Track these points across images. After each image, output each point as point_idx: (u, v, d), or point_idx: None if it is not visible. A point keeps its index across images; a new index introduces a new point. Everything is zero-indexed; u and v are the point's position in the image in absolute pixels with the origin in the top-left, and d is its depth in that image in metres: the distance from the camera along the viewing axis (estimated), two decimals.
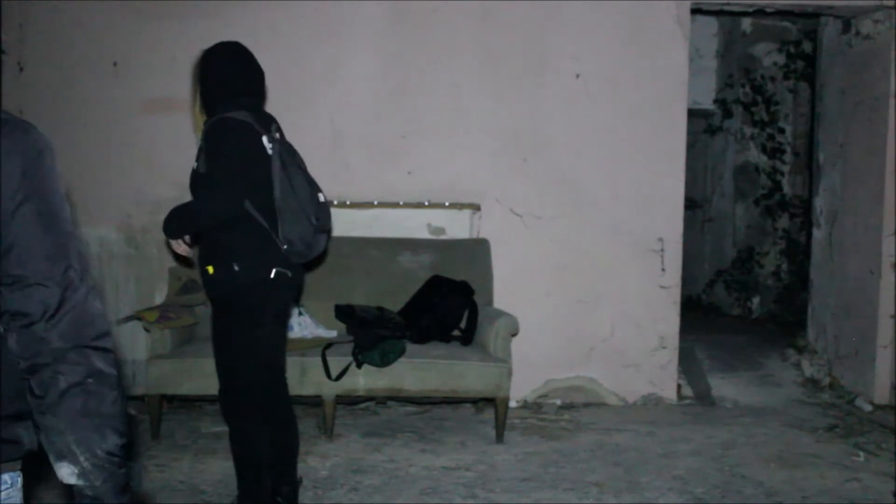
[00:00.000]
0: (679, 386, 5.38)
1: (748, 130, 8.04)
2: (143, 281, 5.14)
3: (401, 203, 5.15)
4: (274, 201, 2.99)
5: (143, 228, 5.13)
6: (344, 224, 5.02)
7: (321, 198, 3.10)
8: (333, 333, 4.70)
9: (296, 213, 3.00)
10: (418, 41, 5.16)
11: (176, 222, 3.05)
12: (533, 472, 4.06)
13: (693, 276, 8.06)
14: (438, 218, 5.15)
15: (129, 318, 4.89)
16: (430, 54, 5.16)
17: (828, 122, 5.78)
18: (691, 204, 7.63)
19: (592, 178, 5.23)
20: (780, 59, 7.79)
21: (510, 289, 5.10)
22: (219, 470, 3.98)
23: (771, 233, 8.03)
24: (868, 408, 5.13)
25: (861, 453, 4.38)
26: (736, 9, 5.70)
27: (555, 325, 5.20)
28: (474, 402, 4.96)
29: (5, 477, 1.36)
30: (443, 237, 5.14)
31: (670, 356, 5.30)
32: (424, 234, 5.14)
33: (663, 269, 5.26)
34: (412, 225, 5.14)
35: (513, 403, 4.99)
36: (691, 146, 6.14)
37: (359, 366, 4.33)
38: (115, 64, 5.10)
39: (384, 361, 4.32)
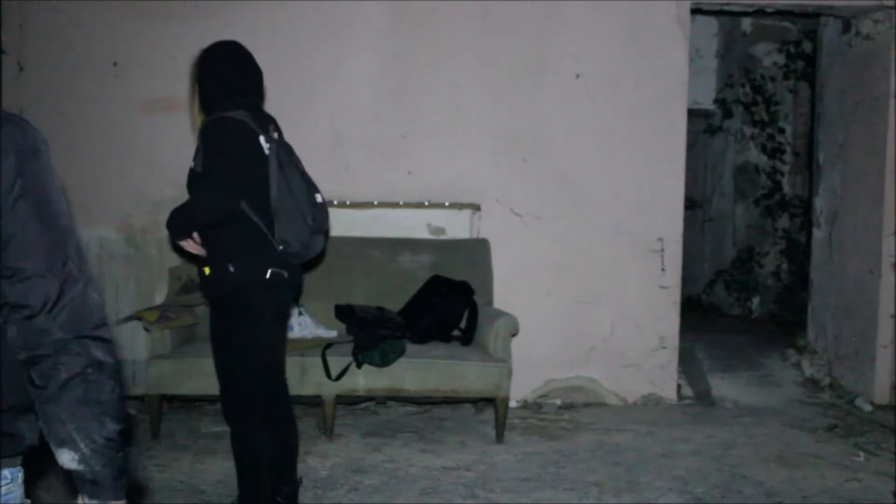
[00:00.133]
0: (679, 386, 5.38)
1: (748, 130, 8.04)
2: (143, 281, 5.14)
3: (401, 203, 5.15)
4: (270, 201, 2.99)
5: (143, 228, 5.13)
6: (344, 224, 5.02)
7: (318, 198, 3.09)
8: (333, 333, 4.70)
9: (292, 214, 2.99)
10: (418, 41, 5.16)
11: (176, 223, 3.05)
12: (533, 472, 4.06)
13: (693, 276, 8.05)
14: (438, 218, 5.16)
15: (129, 318, 4.89)
16: (430, 54, 5.16)
17: (828, 122, 5.78)
18: (691, 204, 7.63)
19: (592, 178, 5.23)
20: (780, 59, 7.80)
21: (510, 289, 5.10)
22: (219, 470, 3.98)
23: (771, 233, 8.03)
24: (868, 408, 5.13)
25: (861, 453, 4.38)
26: (736, 9, 5.70)
27: (555, 325, 5.20)
28: (474, 402, 4.96)
29: (5, 472, 1.38)
30: (443, 237, 5.14)
31: (670, 356, 5.30)
32: (424, 234, 5.14)
33: (663, 269, 5.26)
34: (412, 225, 5.14)
35: (513, 403, 4.99)
36: (691, 146, 6.14)
37: (359, 366, 4.33)
38: (115, 64, 5.10)
39: (384, 361, 4.32)
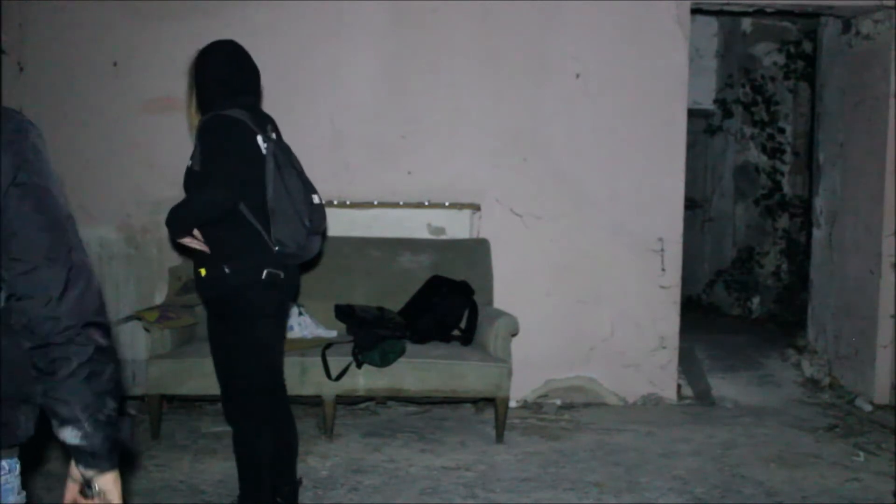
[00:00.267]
0: (679, 386, 5.38)
1: (748, 130, 8.04)
2: (143, 281, 5.14)
3: (401, 203, 5.15)
4: (267, 202, 2.98)
5: (143, 228, 5.13)
6: (344, 224, 5.03)
7: (316, 199, 3.07)
8: (333, 333, 4.70)
9: (288, 215, 2.97)
10: (418, 41, 5.16)
11: (176, 220, 3.04)
12: (533, 472, 4.06)
13: (693, 276, 8.06)
14: (438, 218, 5.16)
15: (129, 318, 4.89)
16: (430, 54, 5.16)
17: (828, 122, 5.78)
18: (691, 204, 7.63)
19: (592, 178, 5.23)
20: (780, 59, 7.80)
21: (510, 289, 5.10)
22: (219, 470, 3.98)
23: (771, 233, 8.03)
24: (868, 408, 5.13)
25: (861, 453, 4.38)
26: (736, 9, 5.70)
27: (555, 325, 5.20)
28: (474, 402, 4.96)
29: (3, 463, 1.43)
30: (443, 237, 5.14)
31: (670, 356, 5.31)
32: (424, 234, 5.14)
33: (663, 269, 5.26)
34: (412, 225, 5.14)
35: (513, 403, 4.99)
36: (691, 146, 6.14)
37: (359, 366, 4.33)
38: (115, 64, 5.10)
39: (384, 361, 4.32)
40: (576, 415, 5.04)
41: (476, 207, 5.18)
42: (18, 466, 1.48)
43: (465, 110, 5.17)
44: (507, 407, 4.51)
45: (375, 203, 5.14)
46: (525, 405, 5.17)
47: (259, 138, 3.00)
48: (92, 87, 5.09)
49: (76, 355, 1.39)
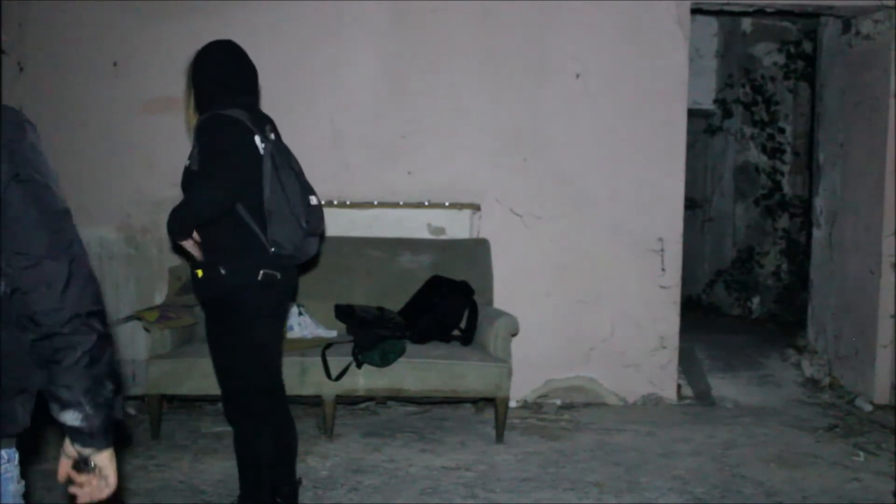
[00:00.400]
0: (679, 386, 5.38)
1: (748, 130, 8.04)
2: (143, 281, 5.14)
3: (401, 203, 5.15)
4: (263, 202, 2.97)
5: (143, 228, 5.13)
6: (344, 224, 5.03)
7: (313, 201, 3.05)
8: (333, 333, 4.70)
9: (285, 216, 2.96)
10: (418, 41, 5.16)
11: (177, 222, 3.03)
12: (533, 472, 4.06)
13: (693, 276, 8.06)
14: (438, 218, 5.16)
15: (129, 318, 4.89)
16: (430, 54, 5.16)
17: (828, 122, 5.78)
18: (691, 204, 7.63)
19: (592, 178, 5.23)
20: (780, 59, 7.80)
21: (510, 289, 5.10)
22: (219, 470, 3.98)
23: (771, 233, 8.03)
24: (868, 408, 5.13)
25: (861, 453, 4.38)
26: (736, 9, 5.70)
27: (555, 325, 5.20)
28: (474, 402, 4.96)
29: (3, 453, 1.48)
30: (443, 237, 5.14)
31: (670, 356, 5.31)
32: (424, 234, 5.14)
33: (663, 269, 5.26)
34: (412, 225, 5.14)
35: (513, 403, 4.99)
36: (691, 146, 6.14)
37: (359, 366, 4.33)
38: (115, 64, 5.10)
39: (384, 361, 4.32)
40: (576, 415, 5.04)
41: (476, 207, 5.18)
42: (17, 456, 1.53)
43: (465, 110, 5.17)
44: (507, 407, 4.51)
45: (375, 203, 5.14)
46: (525, 405, 5.17)
47: (257, 138, 2.99)
48: (92, 87, 5.09)
49: (81, 344, 1.45)
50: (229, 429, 3.31)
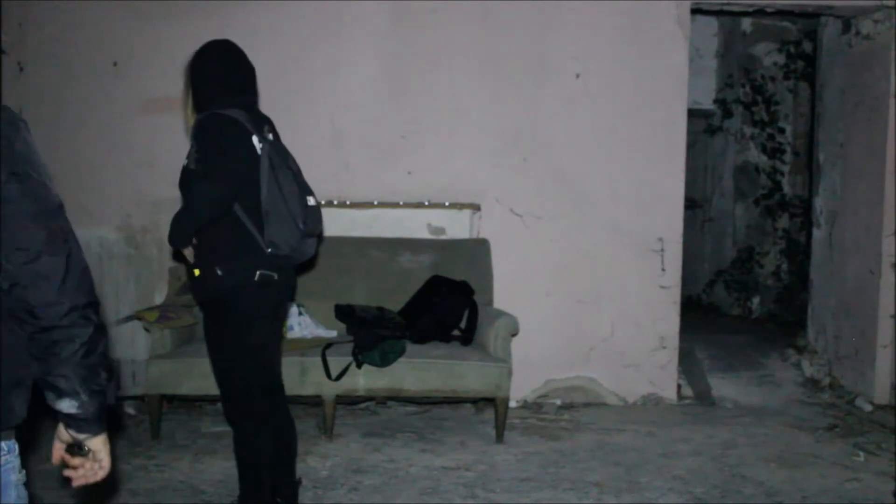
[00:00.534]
0: (679, 386, 5.38)
1: (748, 130, 8.04)
2: (143, 281, 5.14)
3: (401, 203, 5.15)
4: (261, 203, 2.96)
5: (143, 228, 5.13)
6: (344, 224, 5.03)
7: (311, 201, 3.04)
8: (333, 333, 4.70)
9: (282, 217, 2.95)
10: (418, 41, 5.16)
11: (178, 230, 3.02)
12: (533, 472, 4.06)
13: (693, 276, 8.05)
14: (438, 218, 5.16)
15: (129, 318, 4.90)
16: (430, 54, 5.16)
17: (828, 122, 5.78)
18: (691, 204, 7.63)
19: (592, 178, 5.23)
20: (780, 59, 7.79)
21: (510, 289, 5.10)
22: (219, 470, 3.98)
23: (771, 233, 8.03)
24: (868, 408, 5.13)
25: (861, 453, 4.38)
26: (736, 9, 5.70)
27: (555, 325, 5.20)
28: (474, 402, 4.96)
29: (2, 445, 1.51)
30: (443, 237, 5.14)
31: (670, 356, 5.31)
32: (424, 234, 5.14)
33: (663, 269, 5.26)
34: (412, 225, 5.14)
35: (513, 403, 4.99)
36: (691, 146, 6.14)
37: (359, 366, 4.33)
38: (115, 64, 5.10)
39: (384, 361, 4.32)
40: (576, 415, 5.04)
41: (476, 207, 5.18)
42: (17, 447, 1.57)
43: (465, 110, 5.17)
44: (507, 407, 4.51)
45: (375, 203, 5.14)
46: (525, 405, 5.17)
47: (254, 138, 2.98)
48: (92, 87, 5.09)
49: (78, 336, 1.50)
50: (229, 429, 3.31)
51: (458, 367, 4.39)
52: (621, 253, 5.24)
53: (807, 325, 6.06)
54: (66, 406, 1.53)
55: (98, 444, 1.59)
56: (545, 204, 5.21)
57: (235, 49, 3.11)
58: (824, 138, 5.82)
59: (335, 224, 4.95)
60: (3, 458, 1.52)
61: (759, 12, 6.02)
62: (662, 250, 5.26)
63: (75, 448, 1.59)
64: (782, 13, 6.28)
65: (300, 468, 3.55)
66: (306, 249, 3.07)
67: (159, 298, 5.01)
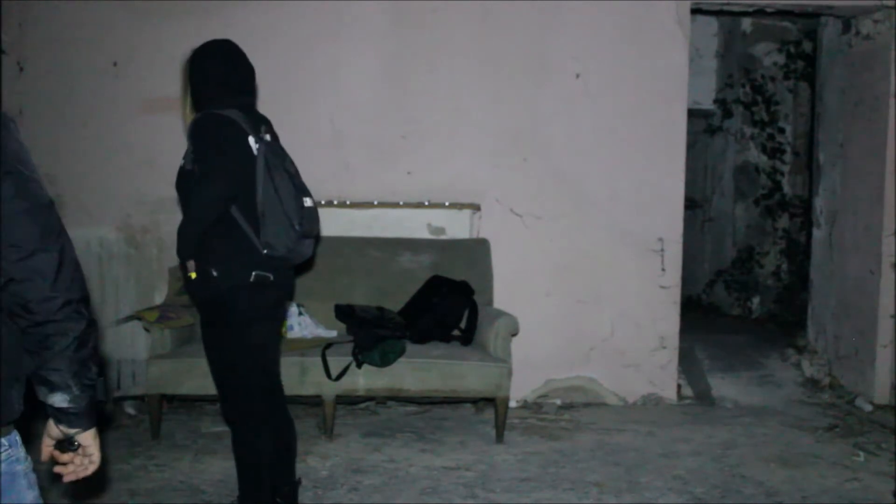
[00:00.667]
0: (679, 386, 5.38)
1: (748, 130, 8.04)
2: (143, 281, 5.14)
3: (401, 203, 5.15)
4: (257, 204, 2.95)
5: (143, 228, 5.13)
6: (344, 224, 5.03)
7: (307, 202, 3.02)
8: (333, 333, 4.70)
9: (278, 218, 2.94)
10: (418, 41, 5.16)
11: (185, 240, 3.00)
12: (533, 472, 4.06)
13: (693, 276, 8.05)
14: (438, 218, 5.16)
15: (129, 318, 4.89)
16: (430, 54, 5.16)
17: (828, 122, 5.78)
18: (691, 204, 7.63)
19: (592, 178, 5.23)
20: (780, 59, 7.80)
21: (510, 289, 5.10)
22: (219, 470, 3.98)
23: (771, 233, 8.03)
24: (868, 408, 5.13)
25: (861, 453, 4.38)
26: (736, 9, 5.70)
27: (555, 325, 5.20)
28: (474, 402, 4.96)
29: (3, 440, 1.54)
30: (443, 237, 5.14)
31: (670, 356, 5.31)
32: (424, 234, 5.14)
33: (663, 269, 5.26)
34: (412, 225, 5.14)
35: (513, 403, 4.99)
36: (691, 146, 6.14)
37: (359, 366, 4.33)
38: (115, 64, 5.10)
39: (384, 361, 4.32)
40: (576, 415, 5.04)
41: (476, 207, 5.18)
42: (19, 437, 1.59)
43: (465, 110, 5.17)
44: (507, 407, 4.51)
45: (375, 203, 5.14)
46: (525, 405, 5.17)
47: (251, 139, 2.97)
48: (92, 87, 5.09)
49: (71, 330, 1.53)
50: (229, 429, 3.31)
51: (458, 367, 4.39)
52: (621, 253, 5.24)
53: (807, 325, 6.06)
54: (58, 400, 1.55)
55: (88, 439, 1.62)
56: (545, 204, 5.21)
57: (236, 49, 3.11)
58: (824, 138, 5.82)
59: (335, 224, 4.95)
60: (4, 453, 1.54)
61: (759, 12, 6.02)
62: (662, 250, 5.26)
63: (65, 444, 1.62)
64: (782, 13, 6.28)
65: (300, 468, 3.55)
66: (303, 250, 3.05)
67: (159, 298, 5.01)
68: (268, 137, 3.03)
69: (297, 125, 4.83)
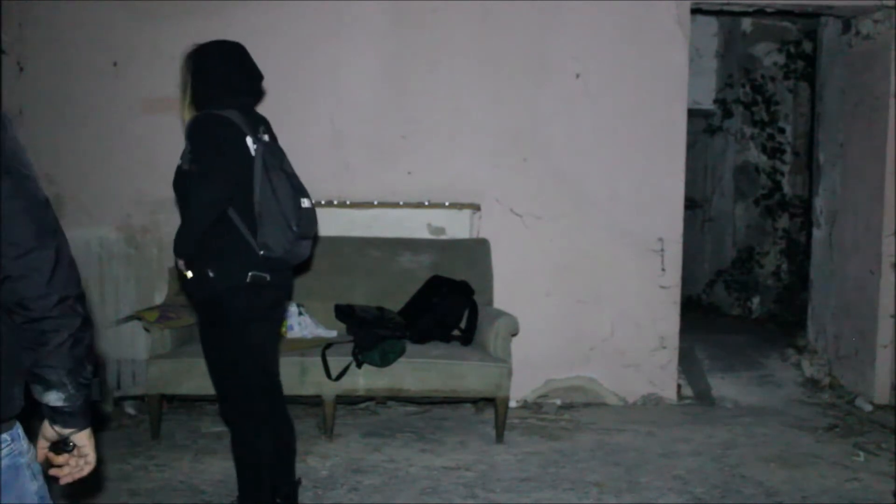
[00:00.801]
0: (679, 386, 5.38)
1: (748, 130, 8.04)
2: (143, 281, 5.14)
3: (401, 203, 5.15)
4: (254, 205, 2.95)
5: (143, 228, 5.13)
6: (344, 224, 5.03)
7: (305, 203, 3.02)
8: (333, 333, 4.70)
9: (275, 219, 2.93)
10: (418, 41, 5.16)
11: (183, 240, 3.00)
12: (533, 472, 4.06)
13: (693, 276, 8.05)
14: (438, 218, 5.16)
15: (129, 318, 4.90)
16: (430, 54, 5.16)
17: (828, 122, 5.78)
18: (691, 204, 7.63)
19: (592, 178, 5.23)
20: (780, 59, 7.79)
21: (510, 289, 5.10)
22: (219, 470, 3.98)
23: (771, 233, 8.03)
24: (868, 408, 5.13)
25: (861, 453, 4.38)
26: (736, 9, 5.70)
27: (555, 325, 5.20)
28: (474, 402, 4.96)
29: (5, 436, 1.54)
30: (443, 237, 5.14)
31: (670, 356, 5.31)
32: (424, 234, 5.14)
33: (663, 269, 5.26)
34: (412, 225, 5.14)
35: (513, 403, 4.99)
36: (691, 146, 6.14)
37: (359, 366, 4.33)
38: (115, 64, 5.10)
39: (384, 361, 4.32)
40: (576, 415, 5.04)
41: (476, 207, 5.18)
42: (21, 430, 1.60)
43: (465, 110, 5.17)
44: (507, 407, 4.51)
45: (375, 203, 5.14)
46: (525, 405, 5.17)
47: (248, 140, 2.97)
48: (92, 87, 5.09)
49: (67, 327, 1.54)
50: (228, 429, 3.31)
51: (458, 367, 4.39)
52: (621, 253, 5.24)
53: (807, 325, 6.06)
54: (54, 398, 1.56)
55: (83, 439, 1.63)
56: (545, 204, 5.21)
57: (241, 51, 3.10)
58: (824, 138, 5.82)
59: (335, 224, 4.95)
60: (6, 448, 1.55)
61: (759, 12, 6.02)
62: (662, 250, 5.26)
63: (60, 445, 1.62)
64: (782, 13, 6.28)
65: (300, 468, 3.55)
66: (300, 251, 3.05)
67: (159, 298, 5.01)
68: (266, 138, 3.03)
69: (297, 125, 4.83)
